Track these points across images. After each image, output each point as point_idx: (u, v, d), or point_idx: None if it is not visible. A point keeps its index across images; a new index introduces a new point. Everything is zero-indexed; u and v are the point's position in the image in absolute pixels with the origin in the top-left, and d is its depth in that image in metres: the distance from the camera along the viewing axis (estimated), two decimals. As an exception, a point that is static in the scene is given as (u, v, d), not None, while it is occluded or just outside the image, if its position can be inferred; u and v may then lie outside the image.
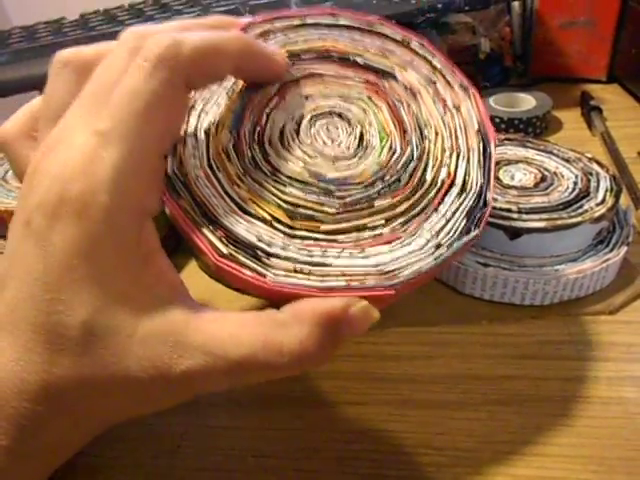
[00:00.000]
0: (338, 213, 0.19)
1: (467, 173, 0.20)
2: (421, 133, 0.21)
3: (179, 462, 0.23)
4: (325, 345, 0.17)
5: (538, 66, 0.51)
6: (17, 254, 0.18)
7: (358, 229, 0.19)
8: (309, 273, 0.18)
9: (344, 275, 0.18)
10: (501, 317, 0.28)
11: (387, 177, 0.20)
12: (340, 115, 0.21)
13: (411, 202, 0.20)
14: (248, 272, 0.18)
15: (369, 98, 0.22)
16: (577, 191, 0.30)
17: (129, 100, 0.18)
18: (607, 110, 0.45)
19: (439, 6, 0.42)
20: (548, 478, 0.21)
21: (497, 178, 0.31)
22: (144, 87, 0.17)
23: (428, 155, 0.20)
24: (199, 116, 0.20)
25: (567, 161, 0.32)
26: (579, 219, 0.27)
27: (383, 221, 0.19)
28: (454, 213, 0.19)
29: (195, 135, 0.20)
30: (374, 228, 0.19)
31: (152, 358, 0.17)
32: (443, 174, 0.20)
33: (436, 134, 0.21)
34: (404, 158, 0.20)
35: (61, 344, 0.17)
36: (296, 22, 0.22)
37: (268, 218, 0.19)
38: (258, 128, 0.20)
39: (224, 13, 0.42)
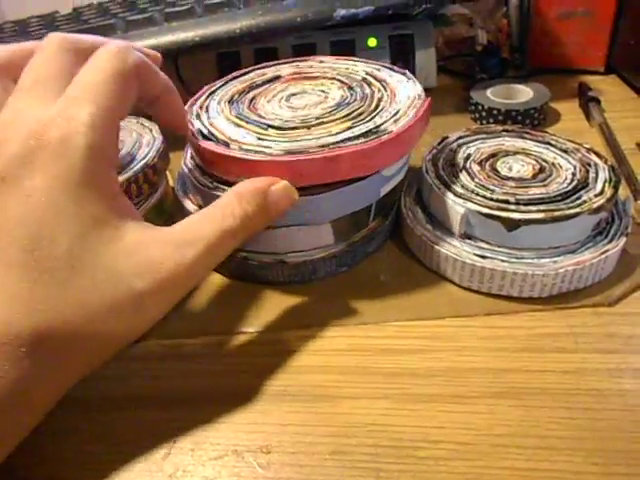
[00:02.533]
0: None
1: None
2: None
3: (174, 458, 0.22)
4: (260, 209, 0.24)
5: (536, 57, 0.50)
6: None
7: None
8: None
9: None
10: (499, 310, 0.28)
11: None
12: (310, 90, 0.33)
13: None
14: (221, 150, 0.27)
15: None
16: (575, 182, 0.29)
17: (94, 73, 0.22)
18: (605, 101, 0.45)
19: (435, -3, 0.41)
20: (548, 471, 0.21)
21: (495, 170, 0.31)
22: (107, 65, 0.22)
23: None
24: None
25: (565, 152, 0.32)
26: (577, 210, 0.27)
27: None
28: None
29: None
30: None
31: (146, 262, 0.20)
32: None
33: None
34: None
35: (48, 279, 0.18)
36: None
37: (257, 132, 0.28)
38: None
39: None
